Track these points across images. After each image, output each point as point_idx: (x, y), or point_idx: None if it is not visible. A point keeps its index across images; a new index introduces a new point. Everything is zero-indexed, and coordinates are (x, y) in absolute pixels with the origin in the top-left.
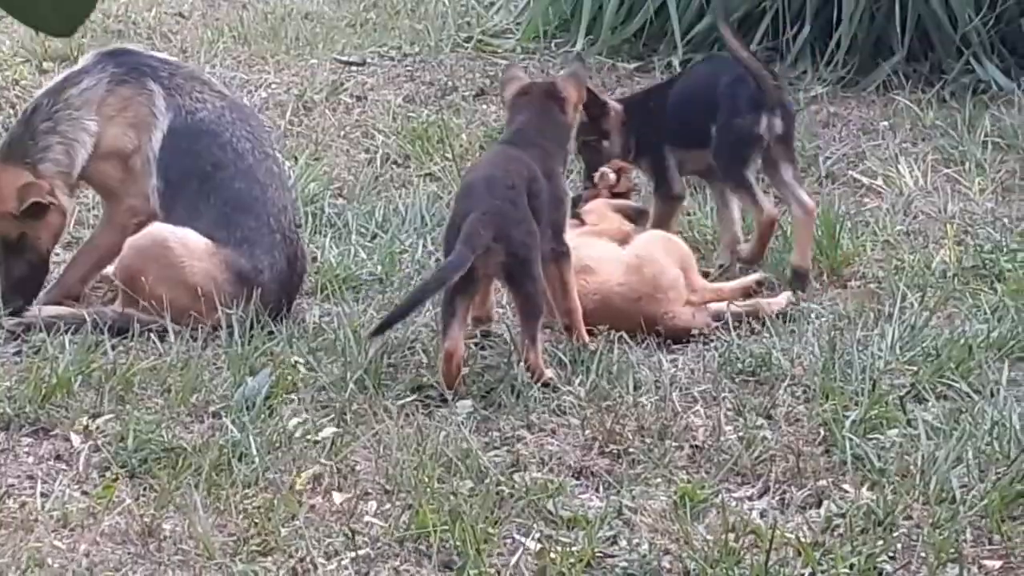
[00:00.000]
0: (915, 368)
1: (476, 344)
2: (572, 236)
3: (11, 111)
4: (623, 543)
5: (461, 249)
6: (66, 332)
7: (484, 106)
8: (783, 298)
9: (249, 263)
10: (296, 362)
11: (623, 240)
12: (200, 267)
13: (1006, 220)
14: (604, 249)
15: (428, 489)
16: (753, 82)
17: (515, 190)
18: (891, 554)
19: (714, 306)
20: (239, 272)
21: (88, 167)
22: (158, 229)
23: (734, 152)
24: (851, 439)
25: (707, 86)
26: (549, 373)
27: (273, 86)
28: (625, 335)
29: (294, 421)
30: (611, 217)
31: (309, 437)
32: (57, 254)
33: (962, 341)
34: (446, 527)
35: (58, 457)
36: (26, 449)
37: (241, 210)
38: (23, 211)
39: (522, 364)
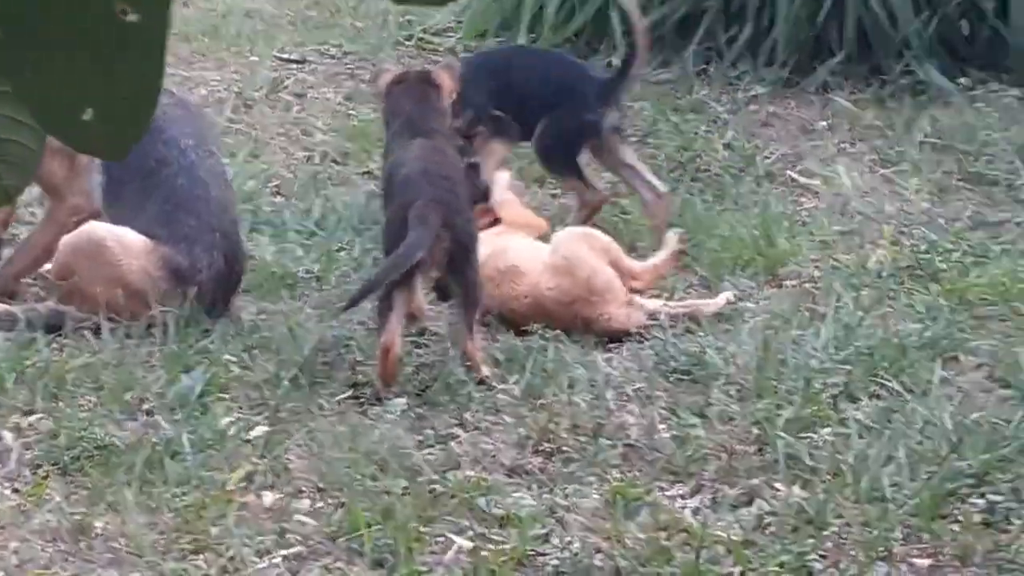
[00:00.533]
0: (849, 367)
1: (411, 342)
2: (493, 235)
3: None
4: (555, 541)
5: (420, 231)
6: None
7: None
8: (722, 299)
9: (187, 261)
10: (227, 360)
11: (543, 236)
12: (137, 265)
13: (942, 220)
14: (530, 249)
15: (361, 487)
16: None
17: (451, 180)
18: (821, 552)
19: (651, 305)
20: (176, 270)
21: None
22: (94, 228)
23: (569, 141)
24: (784, 438)
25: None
26: (486, 371)
27: (213, 83)
28: (561, 333)
29: (226, 420)
30: (525, 211)
31: (242, 435)
32: None
33: (895, 341)
34: (379, 525)
35: None
36: None
37: (182, 208)
38: None
39: (460, 355)
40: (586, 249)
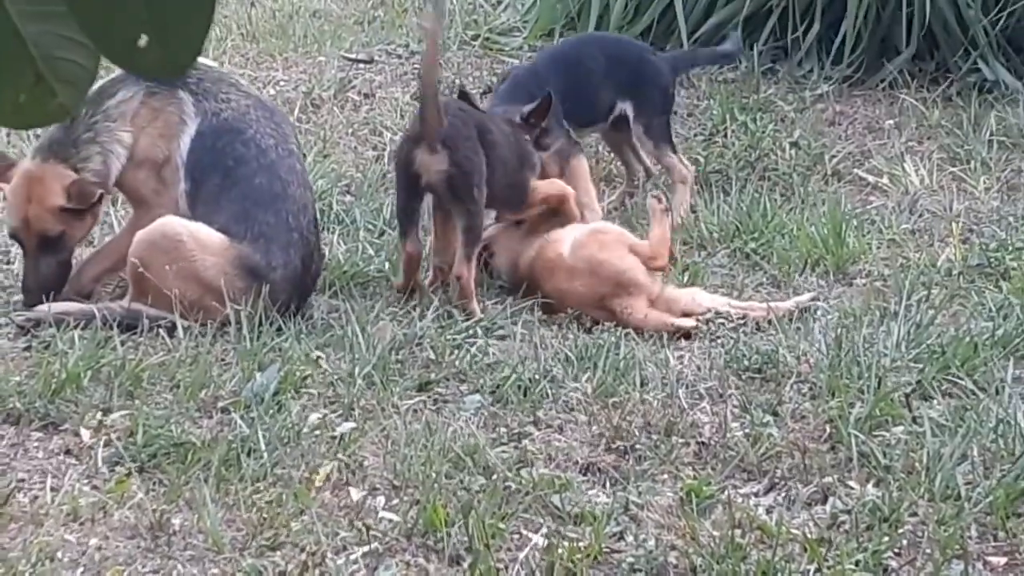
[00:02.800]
0: (920, 366)
1: (483, 340)
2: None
3: None
4: (630, 539)
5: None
6: (75, 327)
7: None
8: (792, 302)
9: (264, 259)
10: (317, 357)
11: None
12: (212, 261)
13: (1011, 218)
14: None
15: (436, 484)
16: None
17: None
18: (896, 551)
19: (719, 302)
20: (251, 268)
21: (122, 176)
22: (169, 222)
23: (665, 116)
24: (857, 436)
25: None
26: (476, 307)
27: (281, 83)
28: (632, 332)
29: (312, 417)
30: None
31: (317, 433)
32: None
33: (967, 339)
34: (455, 522)
35: (68, 452)
36: (36, 444)
37: (260, 205)
38: (67, 208)
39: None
40: (597, 248)
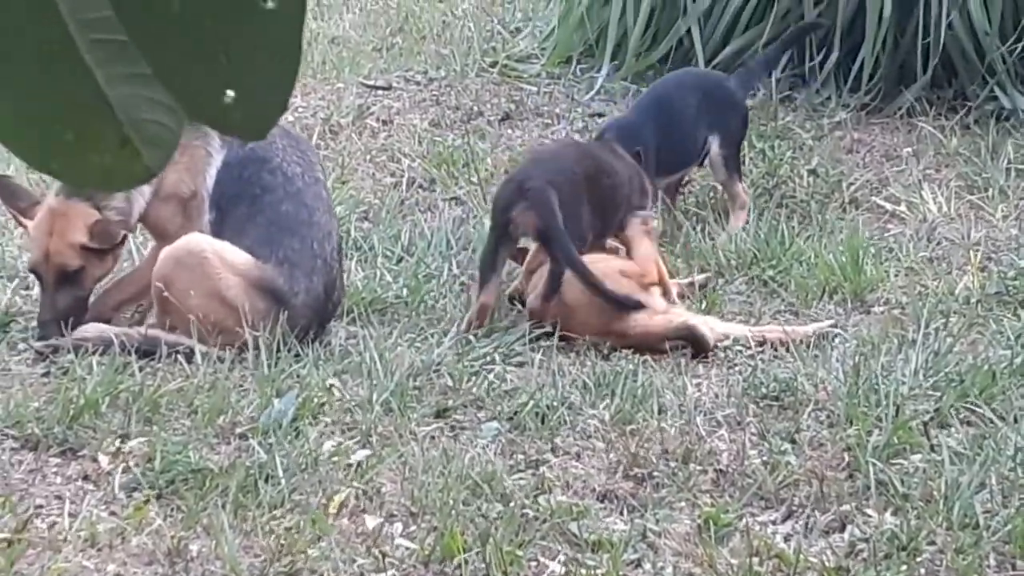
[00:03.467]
0: (939, 394)
1: (502, 367)
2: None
3: None
4: (647, 566)
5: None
6: (94, 354)
7: (509, 131)
8: (810, 328)
9: (287, 284)
10: (331, 384)
11: None
12: (235, 281)
13: None
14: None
15: (454, 512)
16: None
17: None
18: None
19: (737, 331)
20: (273, 291)
21: (147, 211)
22: (196, 240)
23: (739, 146)
24: (875, 464)
25: None
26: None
27: (300, 110)
28: (650, 358)
29: (327, 445)
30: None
31: (335, 459)
32: None
33: (986, 367)
34: (473, 549)
35: (86, 478)
36: (54, 469)
37: (286, 230)
38: (89, 247)
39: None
40: (600, 268)
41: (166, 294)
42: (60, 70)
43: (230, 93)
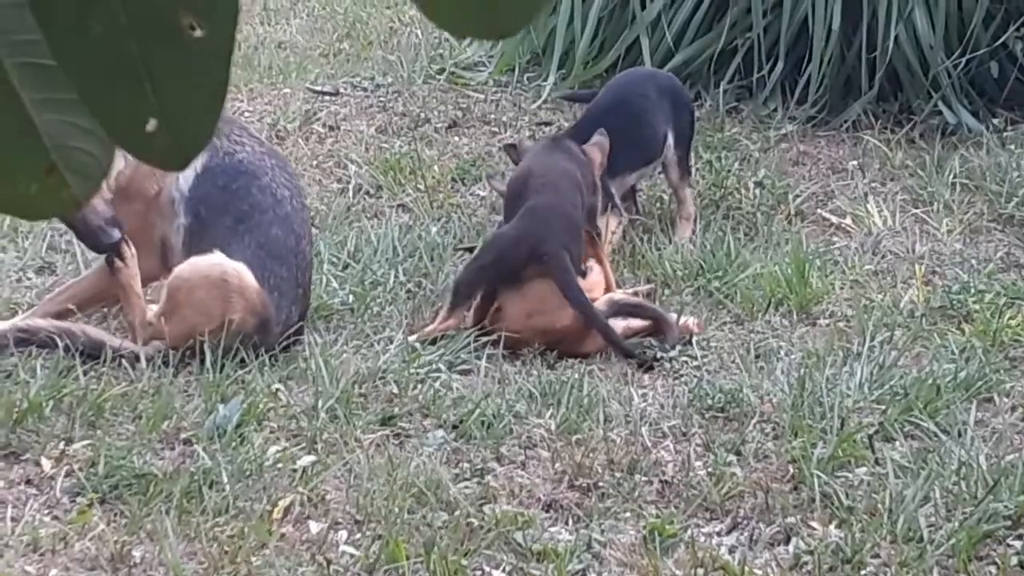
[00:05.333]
0: (883, 407)
1: (448, 375)
2: None
3: None
4: None
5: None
6: (37, 357)
7: (456, 138)
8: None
9: (275, 312)
10: (276, 390)
11: None
12: (242, 305)
13: (974, 261)
14: None
15: (398, 520)
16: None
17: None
18: None
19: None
20: (265, 320)
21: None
22: (221, 261)
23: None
24: (819, 476)
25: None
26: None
27: (246, 115)
28: (596, 369)
29: (272, 450)
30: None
31: (280, 466)
32: (30, 278)
33: (930, 381)
34: (418, 558)
35: (28, 482)
36: None
37: (275, 257)
38: None
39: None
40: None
41: (176, 298)
42: None
43: (152, 122)
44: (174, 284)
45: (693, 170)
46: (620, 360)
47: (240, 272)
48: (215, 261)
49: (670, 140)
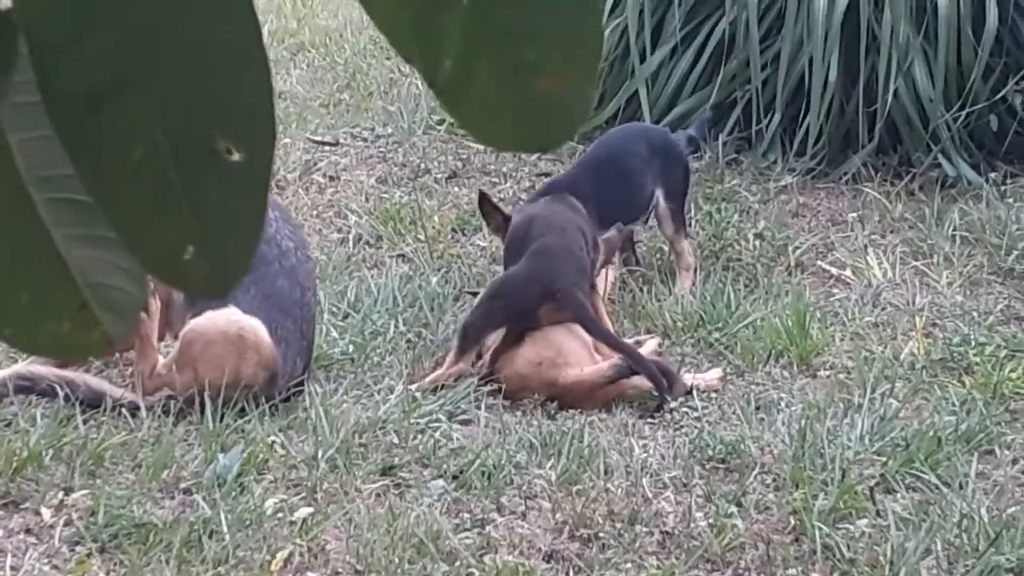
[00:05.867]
0: (884, 459)
1: (448, 425)
2: None
3: None
4: None
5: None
6: (37, 406)
7: (456, 188)
8: (714, 374)
9: (282, 366)
10: (275, 441)
11: None
12: (254, 360)
13: (974, 313)
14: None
15: (399, 570)
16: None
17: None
18: None
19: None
20: (274, 374)
21: None
22: (238, 319)
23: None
24: (821, 528)
25: None
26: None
27: None
28: (596, 419)
29: (270, 502)
30: None
31: (280, 516)
32: None
33: (931, 433)
34: None
35: (28, 531)
36: None
37: (282, 310)
38: None
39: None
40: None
41: (191, 352)
42: (15, 229)
43: (191, 249)
44: (189, 337)
45: (691, 221)
46: (621, 410)
47: (256, 328)
48: (232, 317)
49: (659, 195)
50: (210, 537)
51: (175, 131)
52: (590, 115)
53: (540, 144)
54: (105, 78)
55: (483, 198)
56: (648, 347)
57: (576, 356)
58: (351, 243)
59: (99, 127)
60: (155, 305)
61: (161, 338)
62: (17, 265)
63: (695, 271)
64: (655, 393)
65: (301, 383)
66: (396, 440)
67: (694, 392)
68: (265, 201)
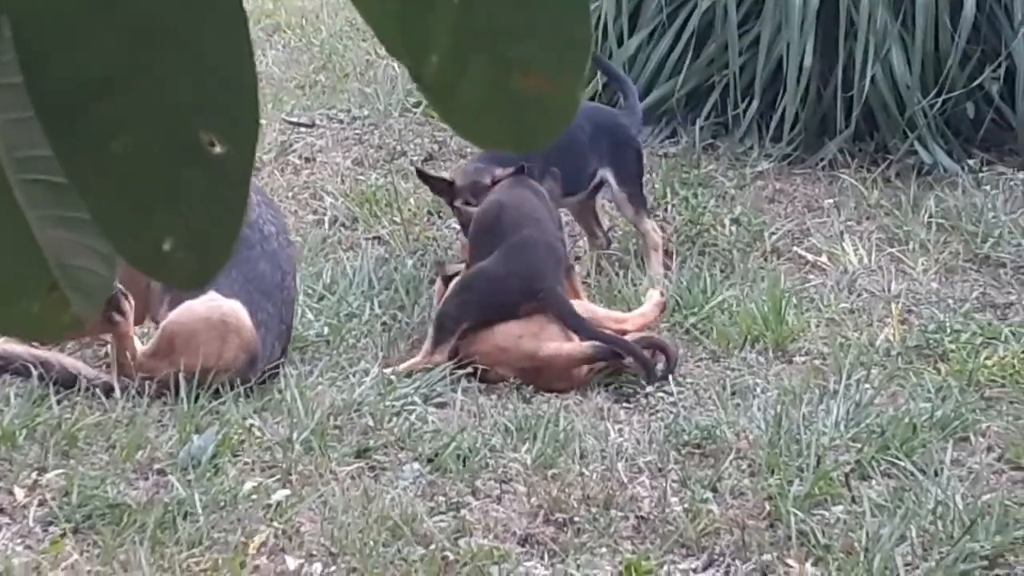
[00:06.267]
0: (860, 445)
1: (423, 408)
2: None
3: None
4: None
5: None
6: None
7: (432, 171)
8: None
9: (261, 348)
10: (251, 424)
11: None
12: (235, 343)
13: (950, 300)
14: None
15: (374, 553)
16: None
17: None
18: None
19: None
20: (254, 357)
21: None
22: (221, 301)
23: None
24: (796, 514)
25: None
26: None
27: None
28: (572, 403)
29: (248, 485)
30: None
31: (254, 497)
32: None
33: (906, 420)
34: None
35: (1, 511)
36: None
37: (263, 293)
38: None
39: None
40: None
41: (173, 342)
42: None
43: (169, 240)
44: (171, 329)
45: (667, 207)
46: (597, 395)
47: (237, 311)
48: (213, 303)
49: (610, 177)
50: (184, 518)
51: (159, 124)
52: (576, 114)
53: (526, 143)
54: (94, 71)
55: (419, 174)
56: (651, 299)
57: (556, 334)
58: (327, 225)
59: (83, 118)
60: (129, 304)
61: (139, 322)
62: None
63: (665, 251)
64: (635, 376)
65: (277, 365)
66: (371, 423)
67: (670, 378)
68: (246, 194)
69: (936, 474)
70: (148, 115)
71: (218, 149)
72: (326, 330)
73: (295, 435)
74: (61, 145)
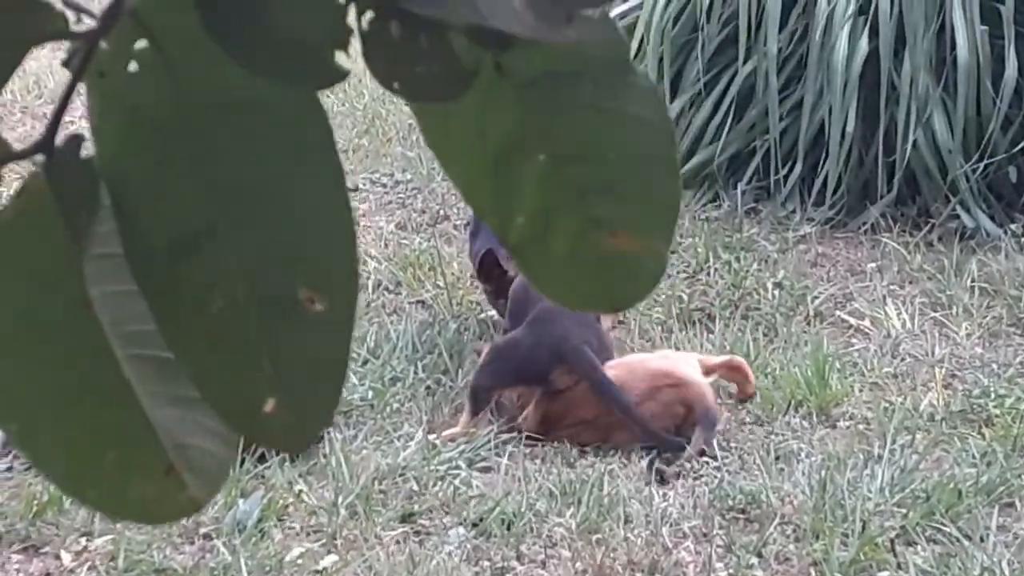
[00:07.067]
0: (905, 510)
1: (468, 472)
2: None
3: None
4: None
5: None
6: None
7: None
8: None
9: None
10: (299, 491)
11: None
12: None
13: (994, 365)
14: None
15: None
16: None
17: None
18: None
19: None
20: None
21: None
22: None
23: None
24: None
25: None
26: None
27: None
28: (616, 467)
29: (296, 551)
30: None
31: (299, 562)
32: None
33: (951, 485)
34: None
35: (48, 575)
36: (16, 566)
37: None
38: None
39: None
40: None
41: None
42: (99, 387)
43: (271, 401)
44: None
45: (710, 274)
46: (641, 459)
47: None
48: None
49: None
50: None
51: (256, 282)
52: (664, 275)
53: (614, 304)
54: (187, 229)
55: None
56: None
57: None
58: (370, 289)
59: (179, 278)
60: None
61: None
62: (102, 424)
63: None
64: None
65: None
66: (416, 487)
67: (714, 443)
68: (347, 352)
69: (982, 540)
70: (243, 273)
71: (317, 306)
72: (370, 394)
73: (340, 499)
74: (158, 308)
